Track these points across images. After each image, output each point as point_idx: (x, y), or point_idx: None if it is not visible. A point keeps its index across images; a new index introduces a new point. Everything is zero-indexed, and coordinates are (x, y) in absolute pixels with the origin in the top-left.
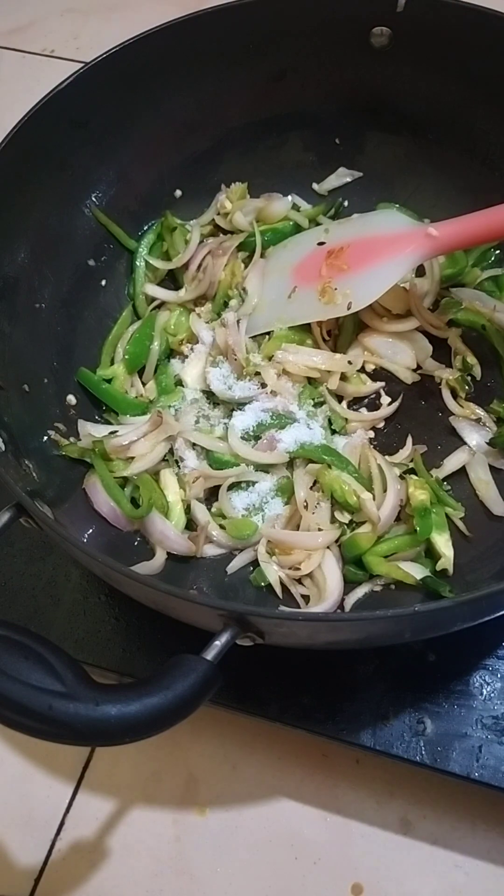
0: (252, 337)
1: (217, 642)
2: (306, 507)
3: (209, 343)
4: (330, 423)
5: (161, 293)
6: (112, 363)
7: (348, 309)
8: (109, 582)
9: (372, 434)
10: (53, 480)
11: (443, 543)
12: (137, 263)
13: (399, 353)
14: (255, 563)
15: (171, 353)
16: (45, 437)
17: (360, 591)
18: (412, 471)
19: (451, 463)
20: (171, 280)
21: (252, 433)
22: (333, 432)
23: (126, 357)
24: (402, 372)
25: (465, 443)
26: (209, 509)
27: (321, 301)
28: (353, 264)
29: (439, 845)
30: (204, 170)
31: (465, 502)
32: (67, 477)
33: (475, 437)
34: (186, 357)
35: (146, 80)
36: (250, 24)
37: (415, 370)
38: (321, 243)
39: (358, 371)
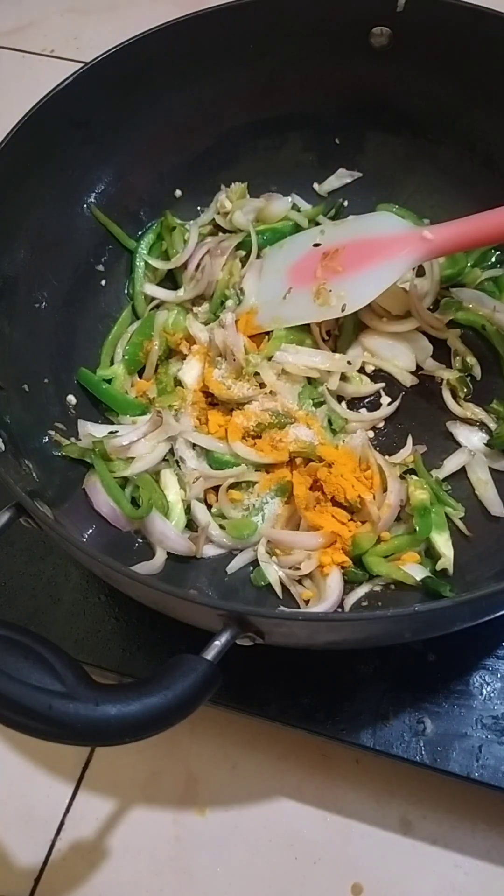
0: (251, 337)
1: (217, 642)
2: (306, 507)
3: (206, 343)
4: (330, 423)
5: (160, 293)
6: (112, 363)
7: (342, 311)
8: (109, 582)
9: (372, 434)
10: (53, 480)
11: (443, 543)
12: (137, 263)
13: (399, 354)
14: (255, 563)
15: (170, 352)
16: (45, 437)
17: (360, 591)
18: (412, 471)
19: (451, 463)
20: (171, 280)
21: (252, 433)
22: (333, 432)
23: (125, 357)
24: (402, 374)
25: (463, 445)
26: (209, 509)
27: (316, 302)
28: (348, 266)
29: (439, 845)
30: (204, 170)
31: (465, 502)
32: (67, 477)
33: (473, 439)
34: (186, 356)
35: (146, 80)
36: (250, 24)
37: (415, 371)
38: (317, 245)
39: (358, 371)
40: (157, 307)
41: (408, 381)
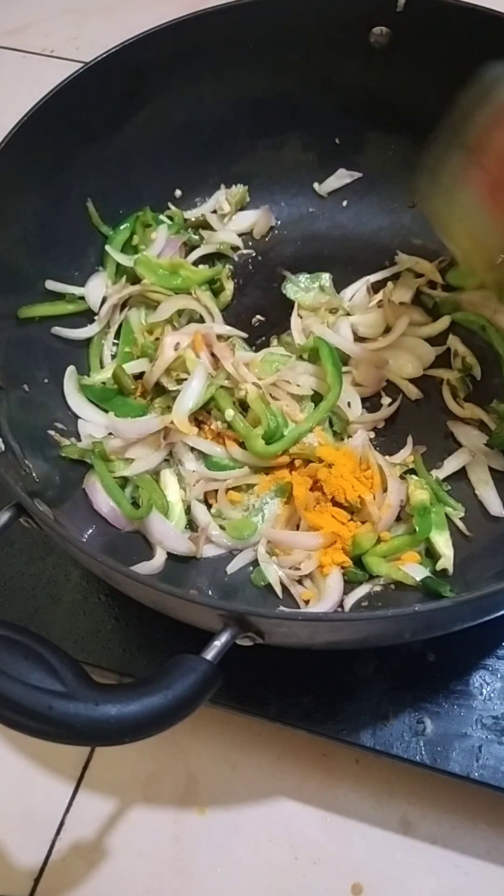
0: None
1: (217, 642)
2: (306, 507)
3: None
4: (330, 423)
5: (123, 258)
6: (101, 366)
7: None
8: (109, 582)
9: (372, 434)
10: (53, 480)
11: (443, 543)
12: (107, 258)
13: (403, 364)
14: (255, 563)
15: None
16: (45, 438)
17: (360, 591)
18: (412, 471)
19: (451, 463)
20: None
21: None
22: (334, 433)
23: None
24: (406, 386)
25: (463, 445)
26: (209, 509)
27: None
28: None
29: (439, 845)
30: (204, 170)
31: (465, 502)
32: (67, 477)
33: (473, 439)
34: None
35: (146, 80)
36: (250, 24)
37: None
38: None
39: None
40: (124, 305)
41: (413, 394)
